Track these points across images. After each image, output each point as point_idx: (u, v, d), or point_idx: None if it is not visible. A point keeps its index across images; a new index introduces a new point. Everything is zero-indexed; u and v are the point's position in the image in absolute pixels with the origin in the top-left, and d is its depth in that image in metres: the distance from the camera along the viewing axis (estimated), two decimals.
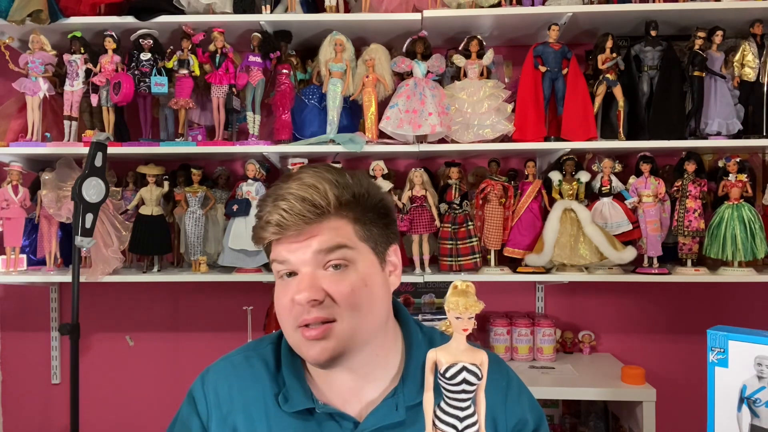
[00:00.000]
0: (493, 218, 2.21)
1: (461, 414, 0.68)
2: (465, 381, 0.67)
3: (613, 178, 2.21)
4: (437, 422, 0.68)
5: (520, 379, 1.04)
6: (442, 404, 0.69)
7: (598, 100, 2.20)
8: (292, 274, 0.91)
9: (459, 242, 2.19)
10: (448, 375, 0.67)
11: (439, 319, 2.25)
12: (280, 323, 0.93)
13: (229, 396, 0.97)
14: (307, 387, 0.96)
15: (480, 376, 0.68)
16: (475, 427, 0.69)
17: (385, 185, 2.18)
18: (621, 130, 2.19)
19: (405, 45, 2.21)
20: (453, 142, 2.19)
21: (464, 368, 0.67)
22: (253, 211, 2.13)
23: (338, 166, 0.99)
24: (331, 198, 0.89)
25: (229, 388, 0.98)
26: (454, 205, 2.21)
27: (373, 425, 0.92)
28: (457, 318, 0.67)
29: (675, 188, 2.19)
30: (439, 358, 0.68)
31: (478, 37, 2.21)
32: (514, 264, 2.27)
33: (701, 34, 2.13)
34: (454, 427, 0.68)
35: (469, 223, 2.21)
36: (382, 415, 0.92)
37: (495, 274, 2.22)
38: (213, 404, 0.98)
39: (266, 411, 0.95)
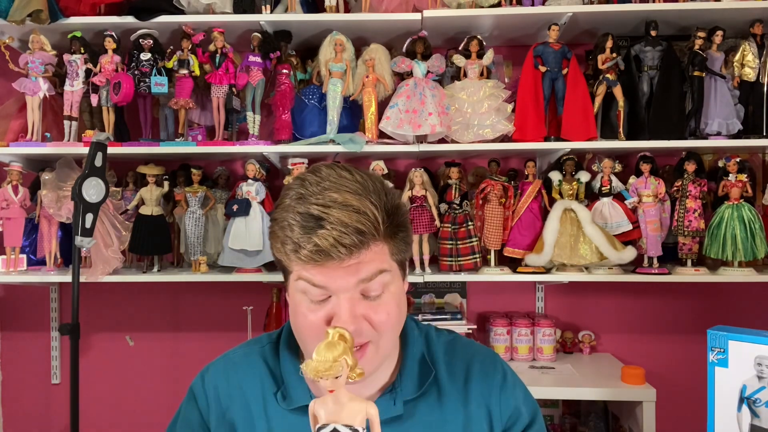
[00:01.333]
0: (493, 218, 2.21)
1: None
2: None
3: (613, 178, 2.21)
4: None
5: (515, 374, 1.04)
6: None
7: (598, 100, 2.20)
8: (323, 299, 0.86)
9: (459, 242, 2.19)
10: None
11: (439, 320, 2.25)
12: (302, 337, 0.90)
13: (228, 393, 0.98)
14: (305, 384, 0.96)
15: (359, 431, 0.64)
16: None
17: None
18: (621, 130, 2.19)
19: (405, 45, 2.21)
20: (453, 142, 2.19)
21: (335, 430, 0.64)
22: (254, 211, 2.16)
23: (369, 173, 0.91)
24: (380, 224, 0.84)
25: (228, 385, 0.99)
26: (454, 205, 2.21)
27: None
28: (320, 379, 0.63)
29: (675, 188, 2.19)
30: (318, 411, 0.65)
31: (478, 37, 2.21)
32: (514, 264, 2.27)
33: (701, 34, 2.13)
34: None
35: (469, 223, 2.21)
36: (380, 410, 0.92)
37: (495, 274, 2.22)
38: (213, 400, 0.99)
39: (265, 408, 0.96)
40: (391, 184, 2.13)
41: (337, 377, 0.64)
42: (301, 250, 0.81)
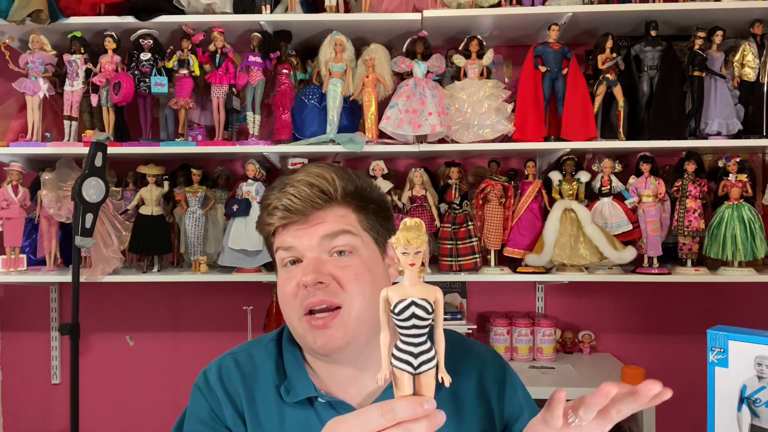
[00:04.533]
0: (493, 218, 2.21)
1: (415, 350, 0.66)
2: (414, 316, 0.65)
3: (613, 178, 2.21)
4: (394, 360, 0.67)
5: (516, 374, 1.05)
6: (398, 342, 0.68)
7: (598, 100, 2.20)
8: (296, 261, 0.92)
9: (459, 242, 2.19)
10: (397, 311, 0.66)
11: None
12: (285, 313, 0.94)
13: (233, 388, 0.98)
14: (308, 378, 0.97)
15: (430, 310, 0.66)
16: (432, 363, 0.67)
17: (385, 185, 2.19)
18: (621, 130, 2.19)
19: (405, 45, 2.21)
20: (453, 142, 2.19)
21: (413, 303, 0.66)
22: (254, 210, 2.16)
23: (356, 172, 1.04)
24: (338, 186, 0.92)
25: (232, 380, 0.99)
26: (454, 205, 2.21)
27: None
28: (403, 253, 0.66)
29: (675, 188, 2.19)
30: (390, 295, 0.67)
31: (478, 37, 2.21)
32: (514, 264, 2.27)
33: (701, 34, 2.13)
34: (409, 363, 0.66)
35: (469, 223, 2.21)
36: None
37: (495, 274, 2.22)
38: (221, 394, 0.98)
39: (269, 403, 0.96)
40: (387, 186, 2.16)
41: (418, 252, 0.66)
42: (274, 212, 0.91)
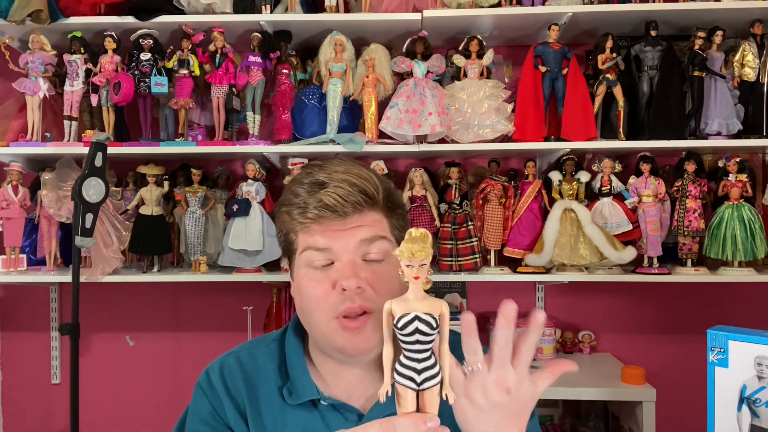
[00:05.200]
0: (493, 218, 2.21)
1: (419, 366, 0.64)
2: (418, 331, 0.63)
3: (613, 178, 2.21)
4: (397, 377, 0.65)
5: None
6: (402, 358, 0.66)
7: (598, 100, 2.20)
8: (328, 263, 0.90)
9: (459, 242, 2.19)
10: (400, 325, 0.64)
11: None
12: (311, 314, 0.91)
13: (236, 387, 0.98)
14: (311, 380, 0.96)
15: (435, 325, 0.64)
16: (436, 380, 0.65)
17: None
18: (621, 130, 2.19)
19: (405, 45, 2.21)
20: (453, 142, 2.19)
21: (417, 318, 0.64)
22: (254, 210, 2.16)
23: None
24: (381, 189, 0.91)
25: (235, 380, 0.99)
26: (454, 205, 2.21)
27: (377, 417, 0.92)
28: (408, 266, 0.64)
29: (675, 188, 2.19)
30: (394, 308, 0.65)
31: (478, 37, 2.21)
32: (514, 264, 2.27)
33: (701, 34, 2.13)
34: (412, 379, 0.64)
35: (469, 223, 2.21)
36: (386, 407, 0.92)
37: (495, 274, 2.22)
38: (223, 393, 0.98)
39: (271, 404, 0.96)
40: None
41: (423, 264, 0.64)
42: (308, 209, 0.87)
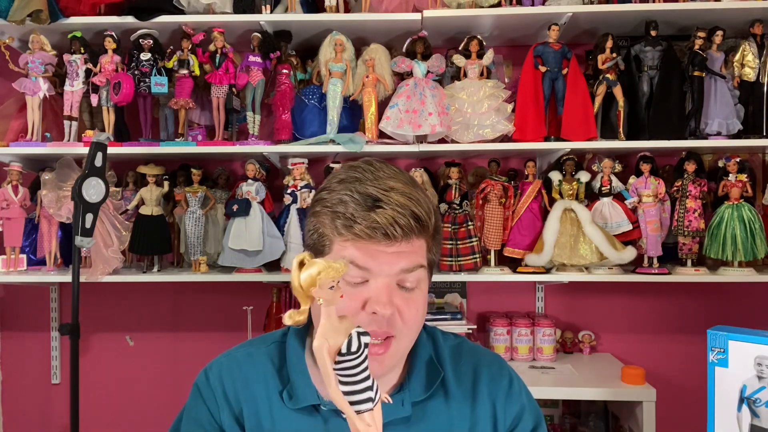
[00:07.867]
0: (493, 218, 2.21)
1: (370, 382, 0.65)
2: (365, 344, 0.64)
3: (613, 178, 2.21)
4: (360, 407, 0.65)
5: (520, 379, 1.05)
6: (351, 387, 0.65)
7: (598, 100, 2.20)
8: (360, 282, 0.87)
9: (459, 242, 2.19)
10: (353, 348, 0.63)
11: (439, 320, 2.25)
12: None
13: (233, 390, 0.97)
14: (312, 384, 0.95)
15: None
16: (376, 382, 0.66)
17: None
18: (621, 130, 2.19)
19: (405, 45, 2.21)
20: (453, 142, 2.19)
21: (358, 334, 0.64)
22: (254, 210, 2.15)
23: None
24: (433, 217, 0.88)
25: (233, 382, 0.98)
26: (454, 205, 2.21)
27: None
28: (331, 288, 0.64)
29: (675, 188, 2.19)
30: (335, 341, 0.64)
31: (478, 37, 2.21)
32: (514, 264, 2.27)
33: (701, 34, 2.13)
34: (371, 399, 0.65)
35: (469, 223, 2.21)
36: (388, 411, 0.92)
37: (495, 274, 2.22)
38: (221, 397, 0.97)
39: (270, 407, 0.95)
40: None
41: (331, 287, 0.63)
42: (356, 225, 0.83)
